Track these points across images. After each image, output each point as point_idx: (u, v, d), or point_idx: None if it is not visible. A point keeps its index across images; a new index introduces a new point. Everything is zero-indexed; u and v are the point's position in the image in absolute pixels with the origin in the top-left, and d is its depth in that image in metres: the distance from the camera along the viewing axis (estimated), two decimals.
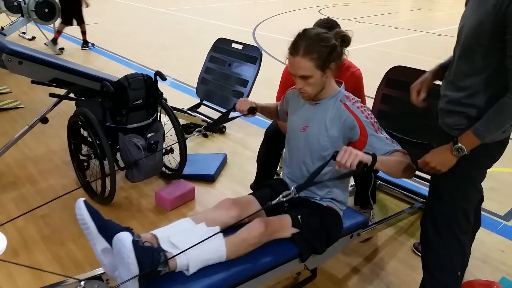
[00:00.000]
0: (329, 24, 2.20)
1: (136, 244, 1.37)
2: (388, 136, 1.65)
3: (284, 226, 1.68)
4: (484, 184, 1.67)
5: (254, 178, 2.72)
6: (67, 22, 6.46)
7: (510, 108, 1.34)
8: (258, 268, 1.59)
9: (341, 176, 1.63)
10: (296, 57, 1.57)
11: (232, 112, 2.02)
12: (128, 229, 1.49)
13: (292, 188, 1.52)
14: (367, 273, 2.20)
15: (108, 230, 1.47)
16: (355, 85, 2.35)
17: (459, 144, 1.44)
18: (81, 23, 6.67)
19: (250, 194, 1.87)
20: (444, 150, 1.50)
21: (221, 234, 1.55)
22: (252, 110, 1.88)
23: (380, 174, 2.57)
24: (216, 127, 1.81)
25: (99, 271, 1.69)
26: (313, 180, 1.58)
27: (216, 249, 1.51)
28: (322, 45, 1.56)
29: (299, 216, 1.71)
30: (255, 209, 1.78)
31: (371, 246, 2.41)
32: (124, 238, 1.36)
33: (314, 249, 1.72)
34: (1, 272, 2.12)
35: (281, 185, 1.90)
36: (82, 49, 6.89)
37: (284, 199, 1.51)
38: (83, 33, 6.85)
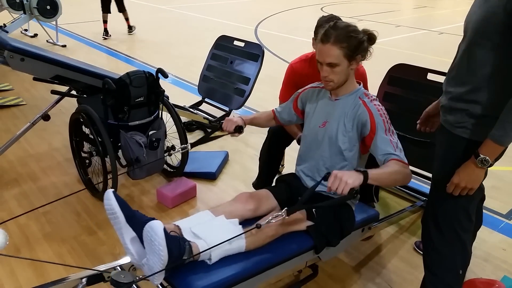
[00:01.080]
0: (332, 21, 2.19)
1: (167, 232, 1.43)
2: (395, 140, 1.67)
3: (300, 219, 1.73)
4: (486, 183, 1.67)
5: (257, 176, 2.72)
6: (106, 10, 7.26)
7: None
8: (275, 259, 1.65)
9: (333, 202, 1.67)
10: (327, 44, 1.63)
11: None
12: (155, 220, 1.53)
13: (284, 210, 1.56)
14: (368, 271, 2.20)
15: (135, 220, 1.52)
16: (361, 77, 2.35)
17: (482, 156, 1.40)
18: (122, 10, 7.41)
19: (266, 188, 1.92)
20: (468, 166, 1.46)
21: (240, 226, 1.64)
22: (239, 129, 1.91)
23: None
24: (202, 143, 1.84)
25: (111, 265, 1.71)
26: (306, 201, 1.65)
27: (237, 240, 1.57)
28: (352, 36, 1.63)
29: (313, 210, 1.77)
30: (271, 202, 1.85)
31: (372, 244, 2.40)
32: (157, 227, 1.40)
33: (328, 242, 1.78)
34: (2, 268, 2.12)
35: (296, 179, 1.96)
36: (128, 34, 7.78)
37: (274, 221, 1.55)
38: (126, 19, 7.63)
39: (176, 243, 1.45)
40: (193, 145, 2.00)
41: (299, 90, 1.99)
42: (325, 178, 1.51)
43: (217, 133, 1.98)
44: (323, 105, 1.84)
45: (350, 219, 1.88)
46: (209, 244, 1.51)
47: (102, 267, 1.70)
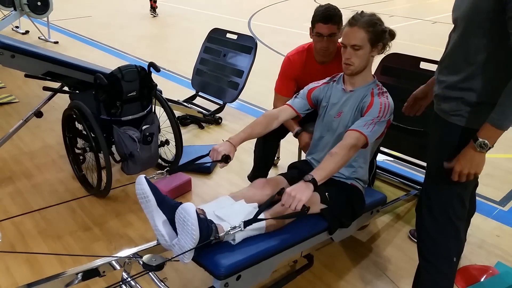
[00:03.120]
0: (332, 10, 2.22)
1: (198, 214, 1.51)
2: (373, 126, 1.78)
3: (314, 202, 1.80)
4: None
5: (252, 169, 2.71)
6: None
7: None
8: (292, 239, 1.76)
9: (284, 216, 1.69)
10: (354, 27, 1.77)
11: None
12: (186, 203, 1.59)
13: (240, 223, 1.57)
14: (363, 260, 2.22)
15: (165, 204, 1.61)
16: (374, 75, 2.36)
17: (481, 139, 1.39)
18: None
19: (280, 174, 2.02)
20: (467, 152, 1.45)
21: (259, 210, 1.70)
22: (225, 159, 1.85)
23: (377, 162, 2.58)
24: (183, 170, 1.84)
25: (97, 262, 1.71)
26: (258, 215, 1.66)
27: (257, 222, 1.64)
28: (377, 23, 1.79)
29: (326, 194, 1.85)
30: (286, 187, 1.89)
31: (367, 233, 2.42)
32: (190, 208, 1.48)
33: (341, 223, 1.89)
34: None
35: (307, 165, 2.06)
36: (151, 15, 8.77)
37: (231, 232, 1.56)
38: (154, 1, 8.41)
39: (205, 224, 1.54)
40: (173, 170, 1.89)
41: (310, 87, 2.06)
42: (280, 193, 1.63)
43: (202, 160, 1.90)
44: (338, 97, 1.95)
45: (361, 202, 1.99)
46: (232, 226, 1.59)
47: (98, 261, 1.70)
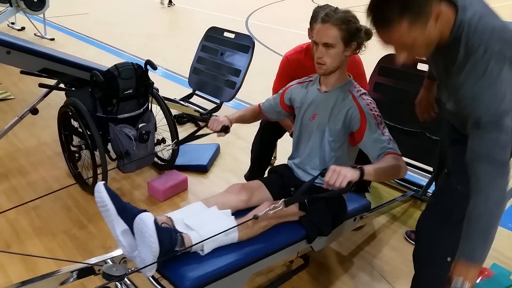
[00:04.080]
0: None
1: (157, 224, 1.43)
2: (387, 133, 1.67)
3: (292, 209, 1.73)
4: None
5: (248, 168, 2.71)
6: None
7: (481, 214, 1.16)
8: (267, 249, 1.67)
9: (329, 194, 1.66)
10: (326, 24, 1.65)
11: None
12: (145, 211, 1.53)
13: (281, 201, 1.57)
14: (359, 261, 2.22)
15: (126, 212, 1.52)
16: (357, 70, 2.36)
17: (454, 280, 1.17)
18: None
19: (258, 179, 1.92)
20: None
21: (233, 217, 1.65)
22: (225, 129, 1.89)
23: None
24: (188, 142, 1.84)
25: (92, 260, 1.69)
26: (304, 193, 1.66)
27: (229, 231, 1.57)
28: (352, 21, 1.66)
29: (305, 200, 1.77)
30: (263, 193, 1.85)
31: (363, 234, 2.42)
32: (147, 218, 1.41)
33: (320, 231, 1.79)
34: None
35: (288, 170, 1.97)
36: (168, 6, 9.65)
37: (271, 212, 1.56)
38: None
39: (168, 234, 1.45)
40: (180, 142, 2.01)
41: (285, 87, 1.98)
42: (322, 174, 1.53)
43: (204, 131, 1.96)
44: (313, 98, 1.84)
45: (342, 209, 1.90)
46: (201, 235, 1.51)
47: (93, 260, 1.69)
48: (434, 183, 1.96)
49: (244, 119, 2.04)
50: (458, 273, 1.18)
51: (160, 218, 1.60)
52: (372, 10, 1.23)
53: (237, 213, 1.72)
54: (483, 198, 1.17)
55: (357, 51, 1.72)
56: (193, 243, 1.51)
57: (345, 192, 1.50)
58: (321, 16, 1.68)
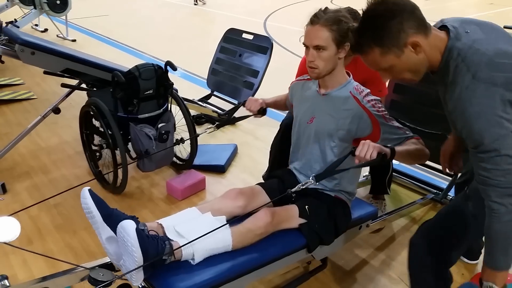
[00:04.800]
0: (352, 15, 2.16)
1: (140, 232, 1.36)
2: (399, 125, 1.65)
3: (291, 216, 1.67)
4: None
5: (267, 169, 2.71)
6: None
7: (497, 232, 1.19)
8: (264, 258, 1.58)
9: (359, 165, 1.56)
10: (316, 25, 1.57)
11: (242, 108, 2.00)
12: (133, 218, 1.49)
13: (311, 177, 1.50)
14: (378, 263, 2.19)
15: (113, 219, 1.46)
16: (374, 73, 2.31)
17: (485, 283, 1.24)
18: None
19: (258, 184, 1.85)
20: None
21: (227, 224, 1.54)
22: (263, 111, 1.87)
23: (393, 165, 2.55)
24: (228, 124, 1.82)
25: (107, 259, 1.71)
26: (333, 170, 1.55)
27: (222, 238, 1.51)
28: (343, 21, 1.57)
29: (306, 207, 1.70)
30: (262, 199, 1.77)
31: (382, 236, 2.39)
32: (128, 226, 1.34)
33: (321, 240, 1.70)
34: (16, 259, 2.16)
35: (290, 175, 1.89)
36: (194, 4, 10.08)
37: (303, 187, 1.50)
38: None
39: (153, 243, 1.39)
40: (220, 125, 2.00)
41: (291, 83, 1.95)
42: (352, 153, 1.45)
43: (241, 116, 1.95)
44: (310, 100, 1.76)
45: (346, 216, 1.81)
46: (191, 243, 1.44)
47: (91, 264, 1.68)
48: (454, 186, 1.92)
49: (278, 105, 2.01)
50: (486, 278, 1.23)
51: (151, 225, 1.55)
52: (354, 36, 1.32)
53: (233, 220, 1.63)
54: (495, 219, 1.18)
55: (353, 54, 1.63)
56: (183, 252, 1.44)
57: (375, 163, 1.42)
58: (310, 17, 1.61)
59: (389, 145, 1.47)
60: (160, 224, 1.57)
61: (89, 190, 1.49)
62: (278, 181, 1.88)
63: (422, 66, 1.26)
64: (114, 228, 1.44)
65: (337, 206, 1.77)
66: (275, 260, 1.61)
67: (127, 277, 1.39)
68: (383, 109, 1.66)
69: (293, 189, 1.49)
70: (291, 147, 1.92)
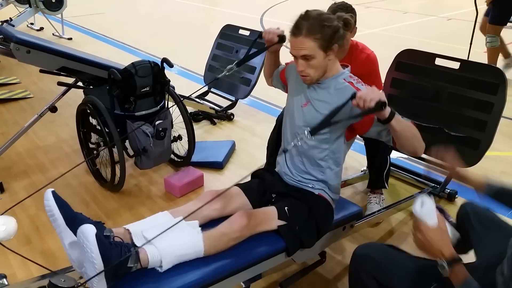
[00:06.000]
0: (345, 9, 2.16)
1: (101, 238, 1.30)
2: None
3: (269, 218, 1.61)
4: (495, 168, 1.65)
5: (264, 165, 2.71)
6: None
7: None
8: (238, 264, 1.50)
9: (359, 114, 1.48)
10: (299, 37, 1.54)
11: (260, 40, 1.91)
12: (98, 223, 1.44)
13: (306, 130, 1.44)
14: None
15: (77, 223, 1.37)
16: (370, 68, 2.33)
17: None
18: None
19: (236, 185, 1.75)
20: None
21: (199, 228, 1.50)
22: (282, 38, 1.77)
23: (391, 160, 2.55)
24: (246, 61, 1.74)
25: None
26: (329, 121, 1.49)
27: (193, 244, 1.44)
28: (325, 25, 1.53)
29: (286, 208, 1.64)
30: (240, 200, 1.72)
31: (380, 230, 2.40)
32: (87, 231, 1.27)
33: (301, 243, 1.65)
34: (14, 258, 2.15)
35: (270, 174, 1.87)
36: None
37: (299, 143, 1.46)
38: None
39: (116, 250, 1.32)
40: (239, 64, 1.89)
41: (290, 62, 1.88)
42: (353, 96, 1.40)
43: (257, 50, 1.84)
44: (305, 86, 1.71)
45: (328, 217, 1.75)
46: (159, 250, 1.38)
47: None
48: None
49: (272, 62, 1.94)
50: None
51: (117, 230, 1.50)
52: None
53: (209, 223, 1.59)
54: None
55: (341, 48, 1.62)
56: (149, 259, 1.37)
57: (374, 111, 1.38)
58: (291, 28, 1.56)
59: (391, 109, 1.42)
60: (128, 230, 1.51)
61: (53, 192, 1.43)
62: (258, 181, 1.83)
63: None
64: (76, 233, 1.36)
65: (319, 206, 1.71)
66: (252, 266, 1.54)
67: (89, 286, 1.32)
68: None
69: (289, 147, 1.47)
70: (283, 131, 1.86)
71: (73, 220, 1.41)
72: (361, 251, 1.44)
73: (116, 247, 1.34)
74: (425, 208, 1.22)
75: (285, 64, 1.94)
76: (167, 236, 1.36)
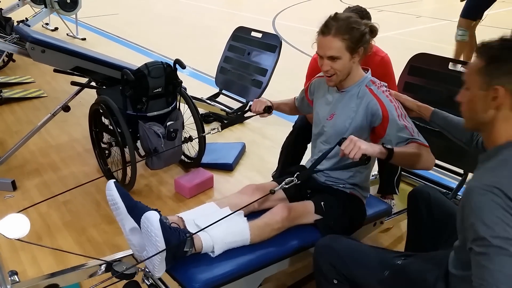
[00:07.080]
0: (360, 13, 2.16)
1: (164, 223, 1.41)
2: (410, 125, 1.62)
3: (307, 212, 1.70)
4: None
5: (276, 168, 2.71)
6: None
7: None
8: (280, 253, 1.61)
9: (344, 166, 1.63)
10: (328, 36, 1.58)
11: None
12: (156, 210, 1.53)
13: (295, 175, 1.56)
14: None
15: (136, 211, 1.51)
16: (384, 70, 2.32)
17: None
18: None
19: (273, 180, 1.89)
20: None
21: (245, 218, 1.60)
22: (268, 109, 1.89)
23: None
24: (233, 124, 1.83)
25: (126, 253, 1.74)
26: (316, 167, 1.64)
27: (241, 232, 1.55)
28: (354, 27, 1.57)
29: (322, 203, 1.73)
30: (278, 195, 1.81)
31: (391, 236, 2.38)
32: (152, 217, 1.39)
33: None
34: (25, 255, 2.18)
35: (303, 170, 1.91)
36: None
37: (287, 186, 1.55)
38: None
39: (176, 234, 1.43)
40: (223, 127, 2.03)
41: (311, 80, 1.97)
42: (340, 143, 1.46)
43: (246, 114, 1.97)
44: (331, 97, 1.78)
45: (361, 213, 1.84)
46: (212, 236, 1.49)
47: (115, 256, 1.72)
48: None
49: (284, 109, 2.04)
50: None
51: (171, 218, 1.61)
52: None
53: (250, 215, 1.69)
54: None
55: (366, 53, 1.65)
56: (203, 244, 1.49)
57: (359, 165, 1.43)
58: (320, 27, 1.60)
59: (388, 146, 1.47)
60: (181, 218, 1.61)
61: (115, 182, 1.53)
62: (293, 177, 1.91)
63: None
64: (137, 220, 1.50)
65: (352, 202, 1.80)
66: (292, 255, 1.65)
67: (149, 269, 1.44)
68: (397, 101, 1.67)
69: (276, 188, 1.55)
70: (311, 144, 1.94)
71: (133, 208, 1.52)
72: (323, 242, 1.50)
73: (175, 232, 1.44)
74: None
75: (304, 88, 2.00)
76: (218, 224, 1.47)
